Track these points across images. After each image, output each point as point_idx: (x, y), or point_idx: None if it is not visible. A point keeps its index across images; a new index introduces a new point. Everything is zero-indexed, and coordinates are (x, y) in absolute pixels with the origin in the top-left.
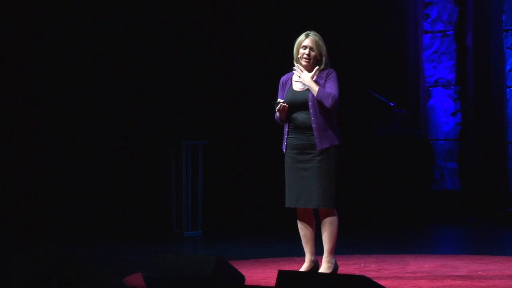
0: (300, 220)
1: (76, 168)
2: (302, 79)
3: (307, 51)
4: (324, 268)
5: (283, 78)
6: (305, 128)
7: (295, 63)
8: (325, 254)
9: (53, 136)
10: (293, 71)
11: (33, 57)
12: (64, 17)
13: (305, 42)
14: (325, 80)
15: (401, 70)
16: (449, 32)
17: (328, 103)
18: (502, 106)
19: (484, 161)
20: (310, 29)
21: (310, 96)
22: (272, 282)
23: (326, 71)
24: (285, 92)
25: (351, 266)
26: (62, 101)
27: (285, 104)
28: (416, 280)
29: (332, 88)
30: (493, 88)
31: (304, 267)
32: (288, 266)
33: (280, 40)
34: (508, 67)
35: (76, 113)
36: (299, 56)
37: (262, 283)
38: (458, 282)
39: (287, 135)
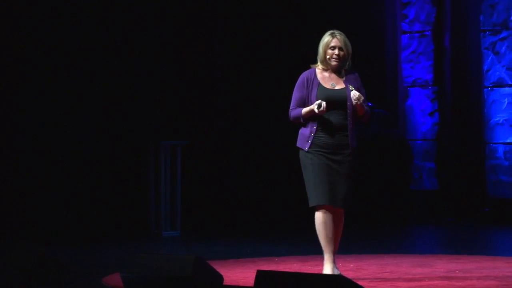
0: (328, 219)
1: (55, 167)
2: (358, 99)
3: (336, 51)
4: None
5: (305, 75)
6: (339, 128)
7: (320, 65)
8: (332, 255)
9: (31, 135)
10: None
11: (16, 56)
12: (44, 15)
13: (334, 42)
14: (358, 86)
15: (380, 70)
16: (427, 33)
17: (367, 120)
18: (479, 106)
19: (462, 161)
20: (287, 30)
21: (349, 95)
22: (251, 282)
23: (353, 74)
24: (313, 90)
25: None
26: (41, 99)
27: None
28: (394, 280)
29: (365, 100)
30: (471, 89)
31: (329, 269)
32: (266, 266)
33: (259, 41)
34: (485, 67)
35: (55, 112)
36: (327, 57)
37: (241, 283)
38: (436, 282)
39: (315, 134)
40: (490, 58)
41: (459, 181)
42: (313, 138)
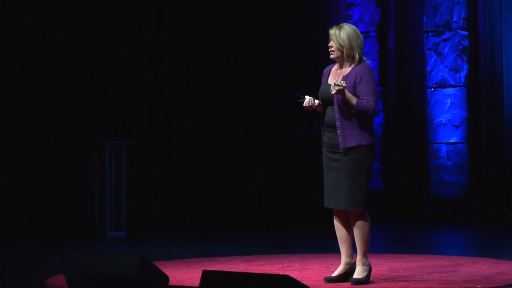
0: (335, 221)
1: None
2: (337, 91)
3: (330, 43)
4: (357, 271)
5: (326, 69)
6: (332, 126)
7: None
8: (358, 257)
9: None
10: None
11: None
12: None
13: (330, 34)
14: (358, 80)
15: None
16: (371, 33)
17: (366, 117)
18: (423, 106)
19: (406, 161)
20: (232, 30)
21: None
22: (196, 282)
23: (359, 67)
24: (321, 86)
25: (274, 266)
26: None
27: (311, 100)
28: None
29: (367, 95)
30: (415, 89)
31: (338, 271)
32: (212, 266)
33: (203, 36)
34: (428, 68)
35: None
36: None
37: (186, 284)
38: (380, 281)
39: (323, 132)
40: (433, 59)
41: (402, 180)
42: (323, 136)
